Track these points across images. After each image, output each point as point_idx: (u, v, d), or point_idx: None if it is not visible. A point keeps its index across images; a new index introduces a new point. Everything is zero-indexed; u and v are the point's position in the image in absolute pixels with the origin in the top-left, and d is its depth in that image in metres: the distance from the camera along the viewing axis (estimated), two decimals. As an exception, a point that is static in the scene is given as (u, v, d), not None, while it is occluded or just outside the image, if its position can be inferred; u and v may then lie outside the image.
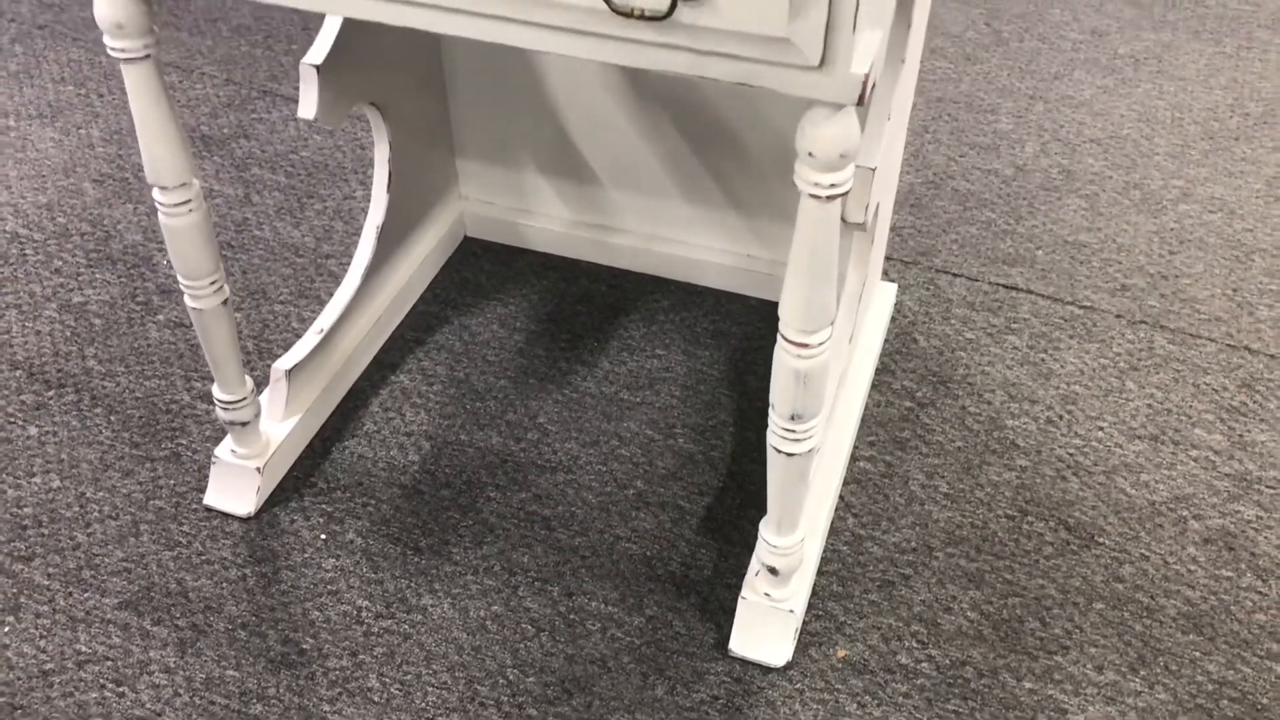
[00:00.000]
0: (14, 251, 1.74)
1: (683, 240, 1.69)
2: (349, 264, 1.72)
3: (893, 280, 1.72)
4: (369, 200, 1.85)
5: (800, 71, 0.85)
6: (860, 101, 0.86)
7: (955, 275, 1.73)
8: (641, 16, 0.84)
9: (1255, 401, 1.54)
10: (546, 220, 1.74)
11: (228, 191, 1.86)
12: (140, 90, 1.08)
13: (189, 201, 1.17)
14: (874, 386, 1.56)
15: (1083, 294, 1.70)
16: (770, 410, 1.09)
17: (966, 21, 2.30)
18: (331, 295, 1.67)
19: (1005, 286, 1.71)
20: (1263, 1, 2.36)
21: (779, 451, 1.11)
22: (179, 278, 1.23)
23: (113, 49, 1.06)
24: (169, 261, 1.72)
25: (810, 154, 0.90)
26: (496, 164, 1.71)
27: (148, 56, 1.07)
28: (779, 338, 1.04)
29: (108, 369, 1.57)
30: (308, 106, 1.35)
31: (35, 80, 2.09)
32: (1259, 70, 2.17)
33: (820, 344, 1.03)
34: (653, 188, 1.65)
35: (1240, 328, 1.65)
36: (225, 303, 1.26)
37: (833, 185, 0.92)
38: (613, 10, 0.84)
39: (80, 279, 1.70)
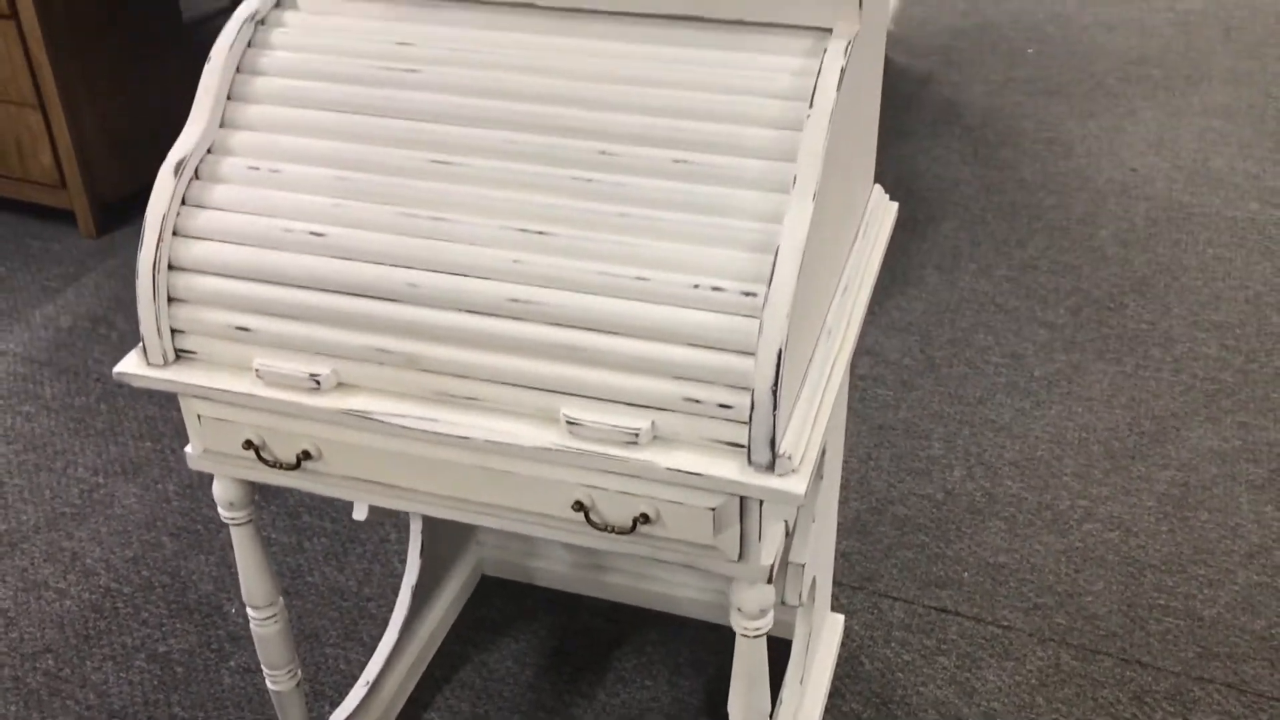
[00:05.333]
0: (107, 605, 2.09)
1: (666, 579, 2.03)
2: (387, 606, 2.06)
3: (842, 605, 2.05)
4: (402, 544, 2.21)
5: (726, 561, 1.21)
6: (769, 580, 1.22)
7: (895, 599, 2.06)
8: (612, 530, 1.20)
9: (1144, 713, 1.85)
10: (551, 561, 2.09)
11: (283, 540, 2.21)
12: (243, 544, 1.45)
13: (275, 615, 1.52)
14: (827, 710, 1.87)
15: (1001, 614, 2.03)
16: (727, 774, 1.41)
17: (904, 349, 2.70)
18: (374, 638, 2.01)
19: (936, 609, 2.04)
20: (1156, 320, 2.77)
21: (736, 807, 1.42)
22: (263, 665, 1.57)
23: (225, 517, 1.42)
24: (236, 610, 2.06)
25: (739, 609, 1.25)
26: (509, 518, 2.07)
27: (250, 521, 1.43)
28: (729, 724, 1.36)
29: (190, 715, 1.88)
30: (361, 511, 1.72)
31: (119, 438, 2.48)
32: (1153, 389, 2.55)
33: (760, 730, 1.35)
34: (638, 538, 2.00)
35: (1133, 642, 1.97)
36: (298, 685, 1.59)
37: (757, 628, 1.26)
38: (590, 525, 1.21)
39: (163, 629, 2.04)
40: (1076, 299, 2.86)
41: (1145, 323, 2.76)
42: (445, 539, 1.99)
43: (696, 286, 1.13)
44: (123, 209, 3.21)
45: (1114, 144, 3.51)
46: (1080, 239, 3.09)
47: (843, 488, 2.29)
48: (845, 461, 2.35)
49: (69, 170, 3.05)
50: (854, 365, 2.55)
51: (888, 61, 3.99)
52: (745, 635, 1.26)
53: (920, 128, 3.65)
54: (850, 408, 2.50)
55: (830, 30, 1.20)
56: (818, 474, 1.51)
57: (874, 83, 1.41)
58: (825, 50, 1.17)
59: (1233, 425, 2.43)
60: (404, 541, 2.19)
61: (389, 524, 2.25)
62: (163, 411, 2.55)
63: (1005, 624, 2.01)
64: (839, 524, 2.20)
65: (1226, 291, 2.85)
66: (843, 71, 1.15)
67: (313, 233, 1.22)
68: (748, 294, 1.11)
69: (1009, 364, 2.64)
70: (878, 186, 1.57)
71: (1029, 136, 3.58)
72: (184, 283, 1.25)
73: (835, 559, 2.12)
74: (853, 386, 2.56)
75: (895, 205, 1.57)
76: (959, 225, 3.17)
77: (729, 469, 1.13)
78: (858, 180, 1.42)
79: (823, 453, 1.49)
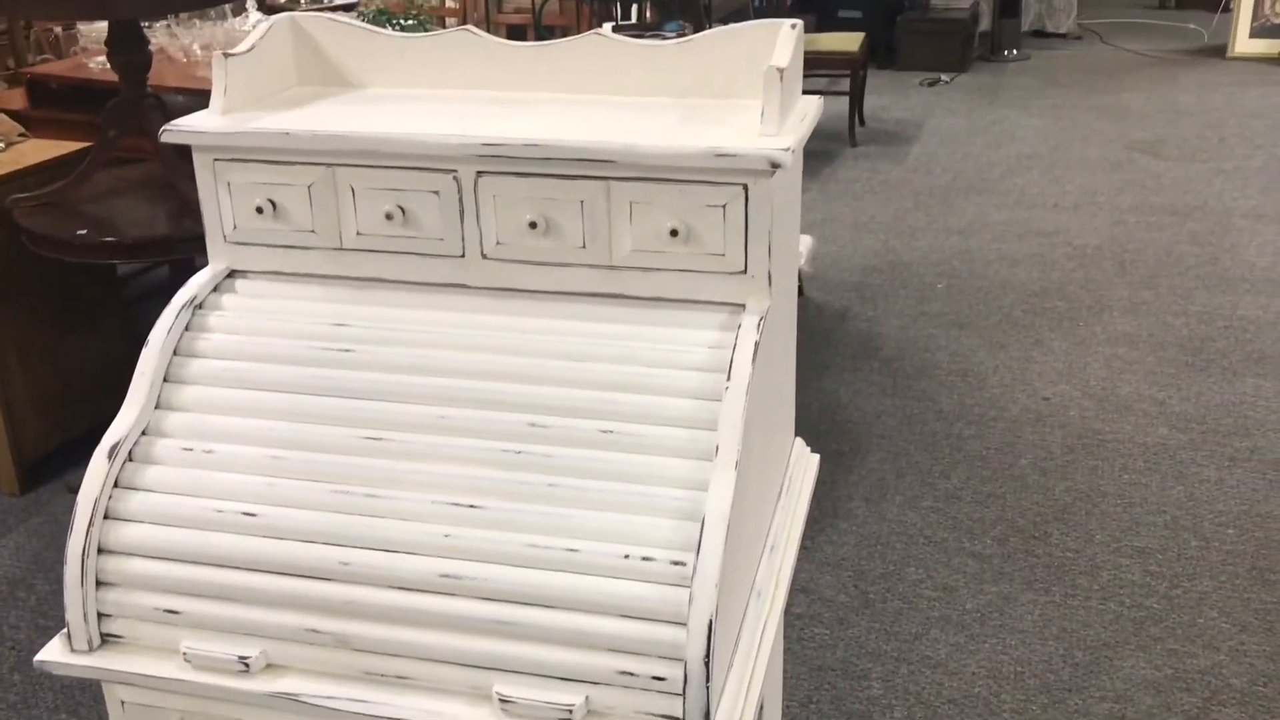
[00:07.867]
0: None
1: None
2: None
3: None
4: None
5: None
6: None
7: None
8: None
9: None
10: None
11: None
12: (164, 834, 1.38)
13: None
14: None
15: None
16: None
17: (838, 584, 2.72)
18: None
19: None
20: (1080, 548, 2.82)
21: None
22: None
23: (145, 806, 1.37)
24: None
25: None
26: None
27: (172, 809, 1.38)
28: None
29: None
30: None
31: (32, 711, 2.37)
32: (1082, 618, 2.58)
33: None
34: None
35: None
36: None
37: None
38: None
39: None
40: (1002, 528, 2.91)
41: (1070, 550, 2.82)
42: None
43: (627, 556, 1.15)
44: (47, 464, 3.17)
45: (1025, 373, 3.67)
46: (1000, 468, 3.18)
47: (784, 734, 2.26)
48: (785, 707, 2.32)
49: (-5, 430, 3.03)
50: (789, 604, 2.55)
51: (805, 299, 4.18)
52: None
53: (839, 361, 3.79)
54: (787, 649, 2.49)
55: (744, 306, 1.28)
56: (756, 733, 1.50)
57: (787, 347, 1.48)
58: (740, 325, 1.24)
59: (1163, 653, 2.46)
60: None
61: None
62: (80, 682, 2.45)
63: None
64: (782, 774, 2.15)
65: (1145, 517, 2.93)
66: (756, 345, 1.22)
67: (245, 513, 1.23)
68: (677, 563, 1.14)
69: (941, 597, 2.67)
70: (799, 440, 1.63)
71: (944, 368, 3.72)
72: (113, 566, 1.25)
73: (780, 812, 2.07)
74: (789, 626, 2.56)
75: (816, 458, 1.63)
76: (884, 457, 3.25)
77: (664, 743, 1.12)
78: (778, 438, 1.47)
79: (760, 710, 1.49)
